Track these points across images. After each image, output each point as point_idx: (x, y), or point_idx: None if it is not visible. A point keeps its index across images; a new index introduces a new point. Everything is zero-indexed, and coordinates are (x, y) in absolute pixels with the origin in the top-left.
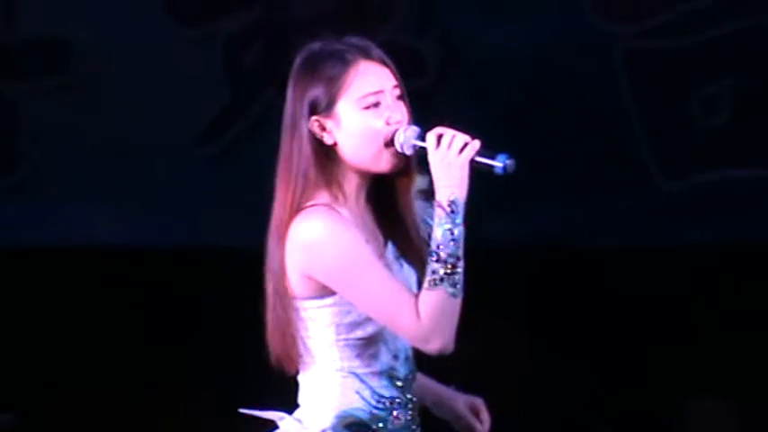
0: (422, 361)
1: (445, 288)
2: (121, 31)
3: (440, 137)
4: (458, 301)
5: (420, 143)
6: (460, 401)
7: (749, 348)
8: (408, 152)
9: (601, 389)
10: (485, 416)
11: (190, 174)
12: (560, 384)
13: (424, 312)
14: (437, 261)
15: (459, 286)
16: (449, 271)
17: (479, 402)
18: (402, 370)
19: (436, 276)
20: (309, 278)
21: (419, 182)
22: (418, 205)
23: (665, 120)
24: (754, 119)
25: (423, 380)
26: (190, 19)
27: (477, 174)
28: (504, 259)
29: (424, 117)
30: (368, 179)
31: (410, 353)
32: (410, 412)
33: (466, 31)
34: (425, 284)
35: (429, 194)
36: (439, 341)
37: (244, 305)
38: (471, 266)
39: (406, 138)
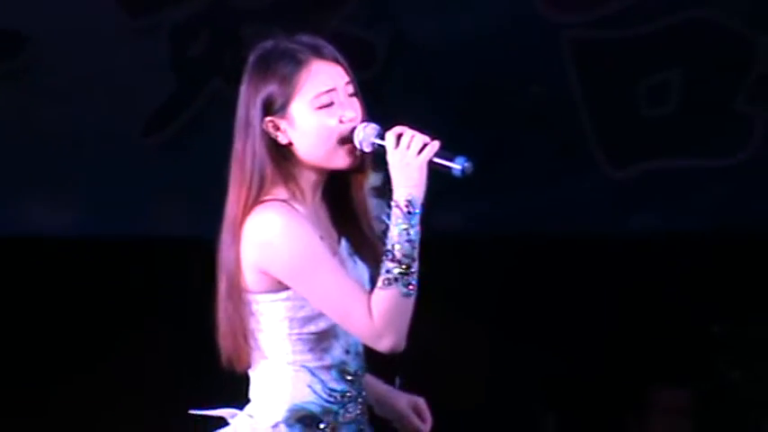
0: (373, 354)
1: (399, 288)
2: (71, 19)
3: (399, 136)
4: (411, 301)
5: (379, 141)
6: (403, 400)
7: (697, 338)
8: (367, 150)
9: (555, 376)
10: (427, 415)
11: (138, 163)
12: (514, 373)
13: (377, 311)
14: (392, 260)
15: (412, 286)
16: (403, 271)
17: (422, 402)
18: (353, 365)
19: (390, 276)
20: (264, 273)
21: (373, 179)
22: (373, 203)
23: (612, 109)
24: (701, 109)
25: (366, 378)
26: (138, 8)
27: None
28: (454, 250)
29: (373, 108)
30: (323, 176)
31: (361, 348)
32: (360, 407)
33: (414, 22)
34: (379, 283)
35: (382, 192)
36: (391, 339)
37: (196, 294)
38: (421, 258)
39: (366, 135)
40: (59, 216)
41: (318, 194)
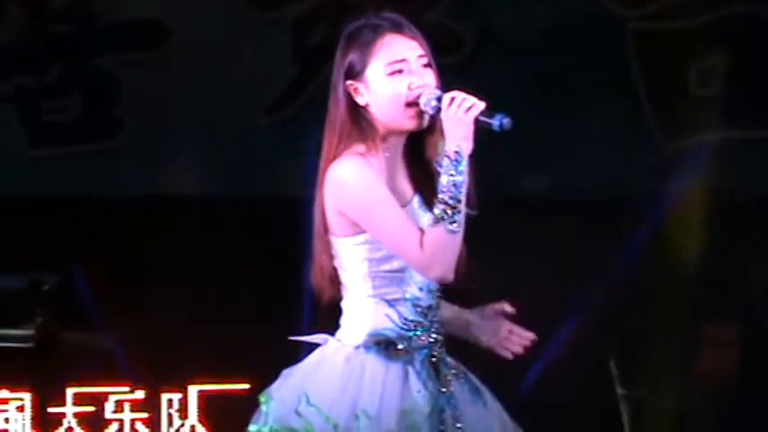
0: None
1: (445, 226)
2: (208, 14)
3: (452, 99)
4: (456, 238)
5: (437, 104)
6: (485, 309)
7: (739, 277)
8: (430, 112)
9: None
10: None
11: (264, 135)
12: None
13: (426, 245)
14: (440, 202)
15: (457, 225)
16: (449, 211)
17: (500, 305)
18: (426, 300)
19: (438, 215)
20: (342, 215)
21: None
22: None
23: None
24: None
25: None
26: (265, 4)
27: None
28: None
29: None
30: (398, 136)
31: (434, 287)
32: (433, 335)
33: (498, 16)
34: (429, 222)
35: None
36: (438, 270)
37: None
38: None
39: (427, 99)
40: (194, 180)
41: (399, 154)
